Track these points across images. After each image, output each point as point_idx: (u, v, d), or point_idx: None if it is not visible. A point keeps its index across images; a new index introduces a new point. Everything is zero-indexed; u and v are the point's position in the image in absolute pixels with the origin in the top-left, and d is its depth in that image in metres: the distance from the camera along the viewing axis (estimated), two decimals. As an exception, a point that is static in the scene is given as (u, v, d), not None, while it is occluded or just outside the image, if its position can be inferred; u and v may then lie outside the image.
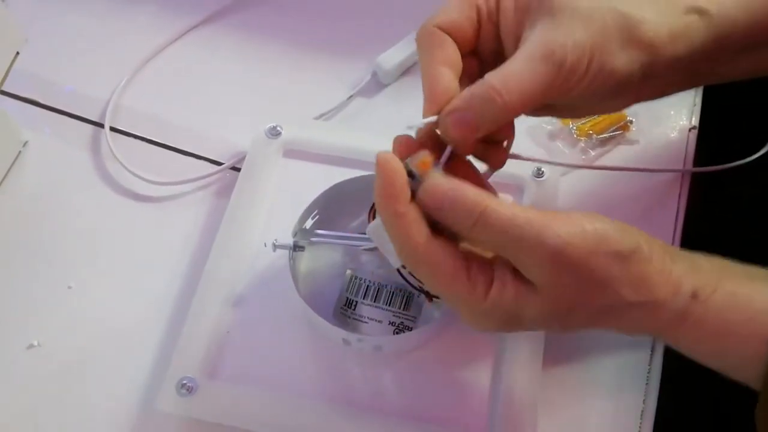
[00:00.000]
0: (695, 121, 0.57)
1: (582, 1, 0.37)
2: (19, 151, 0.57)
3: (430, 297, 0.47)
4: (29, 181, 0.56)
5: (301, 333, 0.48)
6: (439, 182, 0.35)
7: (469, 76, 0.39)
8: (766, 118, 0.59)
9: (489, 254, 0.37)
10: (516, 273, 0.36)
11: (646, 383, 0.47)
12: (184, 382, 0.44)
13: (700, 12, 0.39)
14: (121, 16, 0.65)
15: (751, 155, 0.54)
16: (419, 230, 0.36)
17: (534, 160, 0.51)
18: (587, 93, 0.38)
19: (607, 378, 0.47)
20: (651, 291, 0.36)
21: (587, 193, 0.54)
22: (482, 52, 0.40)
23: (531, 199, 0.51)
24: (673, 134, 0.57)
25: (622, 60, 0.37)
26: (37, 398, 0.47)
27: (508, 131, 0.41)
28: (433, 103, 0.37)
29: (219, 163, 0.56)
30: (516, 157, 0.43)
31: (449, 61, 0.38)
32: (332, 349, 0.47)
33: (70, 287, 0.51)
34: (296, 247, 0.48)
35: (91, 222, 0.54)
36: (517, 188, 0.52)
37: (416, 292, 0.48)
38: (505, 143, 0.41)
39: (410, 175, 0.36)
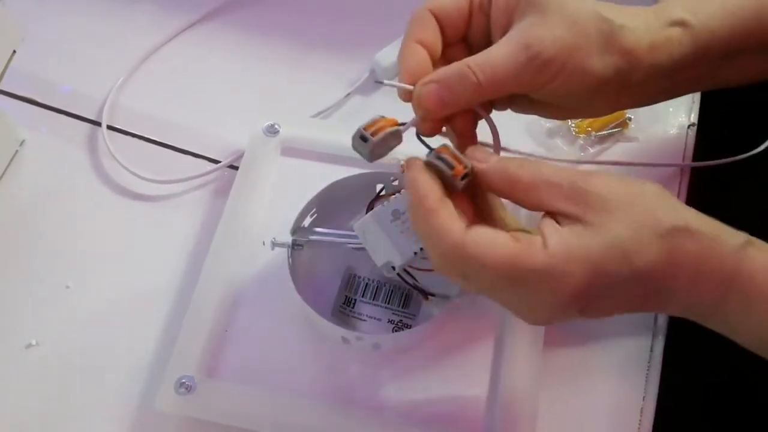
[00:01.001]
0: (694, 118, 0.57)
1: (569, 3, 0.38)
2: (16, 150, 0.57)
3: (425, 295, 0.47)
4: (26, 180, 0.56)
5: (299, 331, 0.48)
6: (480, 149, 0.38)
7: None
8: (765, 115, 0.59)
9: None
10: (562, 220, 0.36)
11: (647, 370, 0.47)
12: (183, 381, 0.44)
13: (683, 24, 0.40)
14: (119, 14, 0.64)
15: (749, 152, 0.54)
16: (459, 225, 0.36)
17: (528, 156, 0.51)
18: (563, 90, 0.39)
19: (608, 365, 0.47)
20: (700, 221, 0.36)
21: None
22: (472, 42, 0.42)
23: None
24: (672, 131, 0.57)
25: (600, 63, 0.38)
26: (35, 397, 0.47)
27: (470, 124, 0.41)
28: (407, 74, 0.39)
29: (217, 162, 0.56)
30: (507, 150, 0.43)
31: (426, 40, 0.40)
32: (331, 347, 0.47)
33: (68, 286, 0.51)
34: (295, 245, 0.48)
35: (88, 221, 0.54)
36: None
37: (414, 291, 0.48)
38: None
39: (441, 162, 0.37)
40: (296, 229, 0.49)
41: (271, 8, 0.65)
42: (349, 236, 0.48)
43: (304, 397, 0.45)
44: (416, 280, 0.47)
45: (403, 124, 0.40)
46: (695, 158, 0.55)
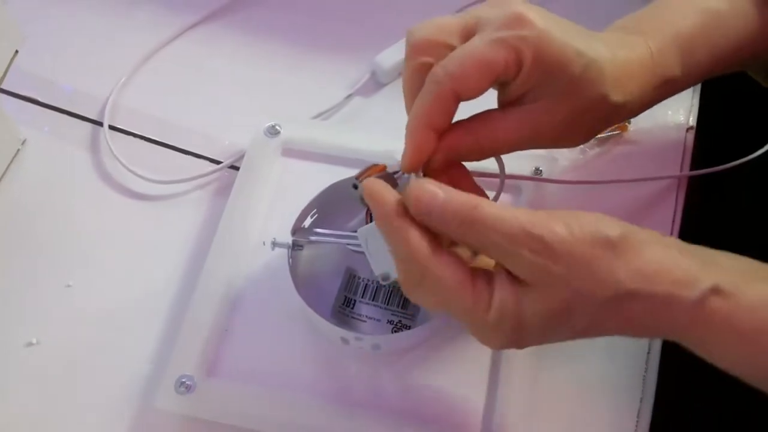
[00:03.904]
0: (693, 121, 0.57)
1: (582, 91, 0.40)
2: (18, 150, 0.57)
3: None
4: (28, 180, 0.56)
5: (299, 331, 0.48)
6: (425, 186, 0.36)
7: None
8: (764, 118, 0.59)
9: (491, 264, 0.37)
10: (511, 276, 0.36)
11: (642, 385, 0.47)
12: (183, 380, 0.44)
13: (673, 81, 0.44)
14: (120, 14, 0.65)
15: (748, 155, 0.54)
16: (421, 243, 0.35)
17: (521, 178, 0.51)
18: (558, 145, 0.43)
19: (604, 378, 0.47)
20: (651, 280, 0.34)
21: (585, 194, 0.54)
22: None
23: (529, 199, 0.51)
24: (671, 134, 0.57)
25: (593, 129, 0.43)
26: (35, 396, 0.47)
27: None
28: (412, 162, 0.40)
29: (218, 162, 0.57)
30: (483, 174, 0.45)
31: (441, 126, 0.40)
32: (331, 347, 0.47)
33: (69, 285, 0.51)
34: (295, 246, 0.49)
35: (89, 220, 0.54)
36: (515, 189, 0.52)
37: None
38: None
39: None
40: (296, 230, 0.49)
41: (274, 9, 0.65)
42: (349, 237, 0.48)
43: (304, 397, 0.46)
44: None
45: (396, 172, 0.42)
46: (693, 161, 0.56)
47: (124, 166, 0.56)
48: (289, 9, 0.65)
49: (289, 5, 0.65)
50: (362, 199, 0.40)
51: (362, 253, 0.43)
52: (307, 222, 0.50)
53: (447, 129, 0.40)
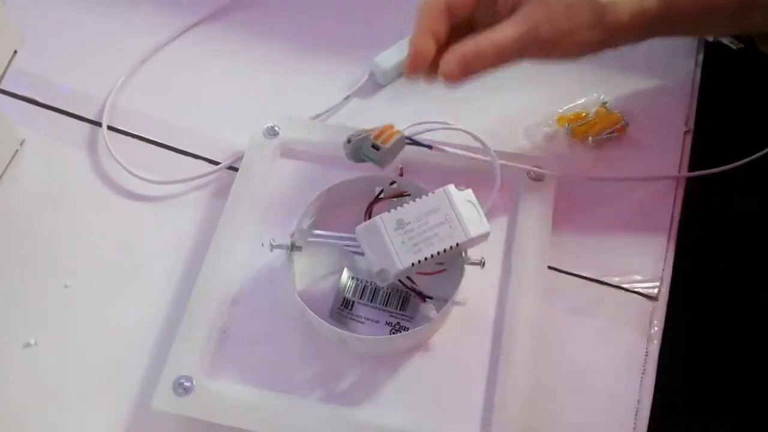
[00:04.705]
0: (691, 124, 0.57)
1: None
2: (17, 150, 0.57)
3: (423, 297, 0.47)
4: (26, 180, 0.56)
5: (298, 333, 0.48)
6: None
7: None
8: (762, 121, 0.60)
9: None
10: None
11: (640, 385, 0.47)
12: (181, 381, 0.44)
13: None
14: (119, 15, 0.65)
15: (746, 158, 0.54)
16: None
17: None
18: (555, 58, 0.48)
19: (603, 377, 0.48)
20: None
21: (584, 196, 0.54)
22: (475, 23, 0.48)
23: (527, 202, 0.51)
24: (669, 137, 0.57)
25: (587, 38, 0.46)
26: (33, 397, 0.47)
27: None
28: (417, 65, 0.46)
29: (216, 163, 0.57)
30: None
31: (437, 33, 0.46)
32: (329, 349, 0.47)
33: (66, 286, 0.51)
34: (293, 247, 0.49)
35: (87, 221, 0.54)
36: (512, 190, 0.52)
37: (412, 293, 0.48)
38: None
39: None
40: (295, 231, 0.49)
41: (271, 10, 0.65)
42: (348, 239, 0.48)
43: (302, 398, 0.46)
44: (414, 283, 0.47)
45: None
46: (692, 164, 0.56)
47: (122, 166, 0.56)
48: (289, 10, 0.65)
49: (289, 7, 0.65)
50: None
51: (361, 254, 0.43)
52: (306, 223, 0.50)
53: (447, 40, 0.46)
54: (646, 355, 0.48)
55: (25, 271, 0.52)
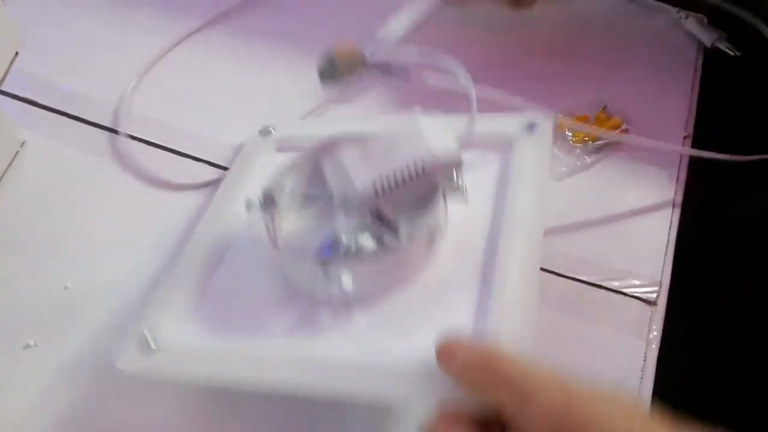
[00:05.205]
0: (690, 129, 0.58)
1: None
2: (17, 151, 0.57)
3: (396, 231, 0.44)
4: (26, 182, 0.56)
5: (276, 291, 0.45)
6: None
7: None
8: (760, 126, 0.60)
9: None
10: None
11: (638, 390, 0.47)
12: (148, 340, 0.42)
13: None
14: (121, 17, 0.65)
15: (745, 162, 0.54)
16: None
17: None
18: None
19: (600, 381, 0.47)
20: None
21: (583, 195, 0.54)
22: None
23: (522, 155, 0.48)
24: (668, 142, 0.57)
25: None
26: (33, 398, 0.47)
27: None
28: None
29: (219, 166, 0.57)
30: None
31: None
32: (306, 302, 0.43)
33: (66, 287, 0.51)
34: (267, 202, 0.45)
35: (88, 222, 0.54)
36: (506, 145, 0.49)
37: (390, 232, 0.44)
38: None
39: None
40: (273, 190, 0.45)
41: (274, 13, 0.65)
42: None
43: (276, 355, 0.42)
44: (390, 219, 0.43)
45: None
46: (691, 168, 0.56)
47: (124, 168, 0.56)
48: (292, 12, 0.65)
49: (291, 9, 0.66)
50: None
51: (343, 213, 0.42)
52: (288, 185, 0.47)
53: None
54: (644, 360, 0.48)
55: (25, 273, 0.52)
